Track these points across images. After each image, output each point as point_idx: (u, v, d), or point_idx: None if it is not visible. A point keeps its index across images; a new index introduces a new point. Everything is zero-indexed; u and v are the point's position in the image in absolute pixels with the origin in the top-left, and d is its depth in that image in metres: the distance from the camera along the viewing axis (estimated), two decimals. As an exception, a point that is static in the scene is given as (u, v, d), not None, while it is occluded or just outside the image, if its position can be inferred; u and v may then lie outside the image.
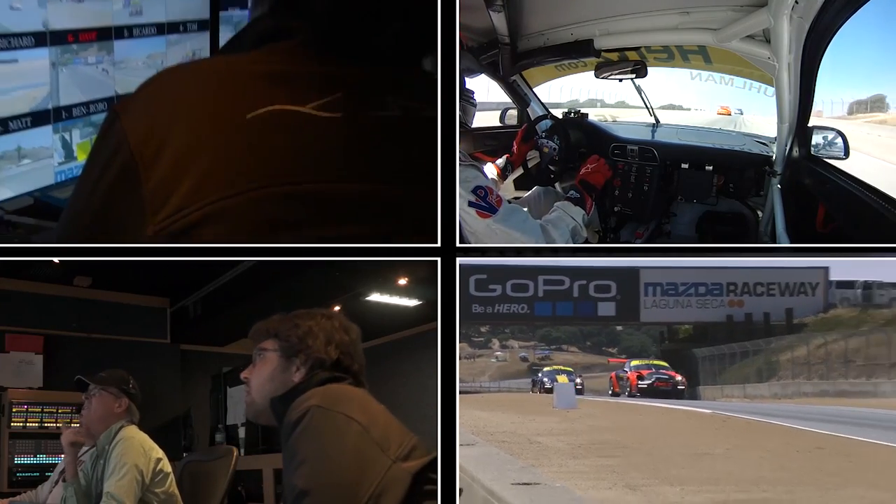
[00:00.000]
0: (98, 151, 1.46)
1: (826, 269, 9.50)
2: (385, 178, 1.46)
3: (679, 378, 9.00)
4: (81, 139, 3.64)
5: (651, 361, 9.45)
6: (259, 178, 1.37)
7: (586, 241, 4.25)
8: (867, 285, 9.48)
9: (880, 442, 5.87)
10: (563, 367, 9.77)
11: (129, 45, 3.75)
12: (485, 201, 3.40)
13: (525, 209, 3.64)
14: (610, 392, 9.40)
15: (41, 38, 3.38)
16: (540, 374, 9.60)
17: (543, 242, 3.51)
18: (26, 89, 3.39)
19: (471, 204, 3.39)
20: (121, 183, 1.39)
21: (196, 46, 4.02)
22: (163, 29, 3.90)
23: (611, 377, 9.59)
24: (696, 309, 9.64)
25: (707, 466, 5.10)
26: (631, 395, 8.93)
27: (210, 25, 4.07)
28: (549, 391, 8.51)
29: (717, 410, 7.55)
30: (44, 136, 3.50)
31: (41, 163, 3.52)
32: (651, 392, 8.85)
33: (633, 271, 9.64)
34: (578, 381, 9.04)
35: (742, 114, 4.74)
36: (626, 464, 5.10)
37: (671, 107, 4.94)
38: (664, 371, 9.12)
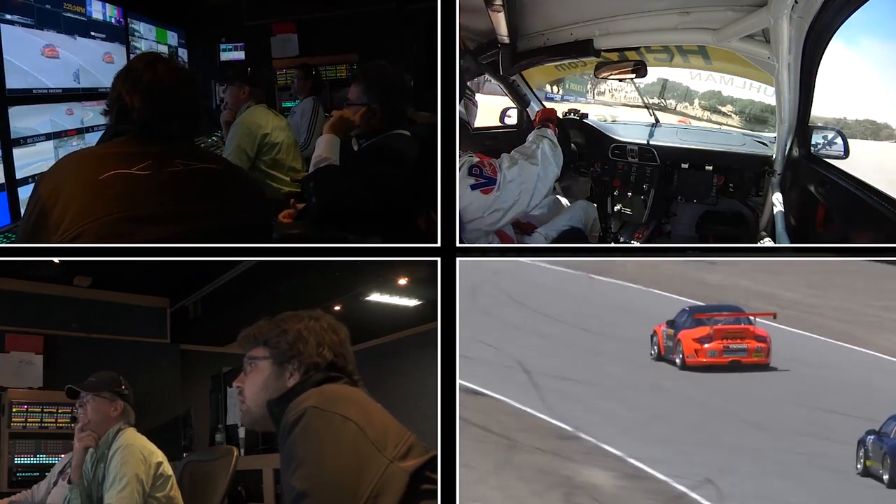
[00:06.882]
0: (29, 203, 2.56)
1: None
2: (180, 210, 2.48)
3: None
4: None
5: None
6: (107, 210, 2.37)
7: (586, 241, 4.26)
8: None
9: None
10: None
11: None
12: (483, 177, 3.32)
13: (508, 164, 3.51)
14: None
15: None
16: None
17: (538, 163, 3.47)
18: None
19: (473, 187, 3.32)
20: (39, 217, 2.43)
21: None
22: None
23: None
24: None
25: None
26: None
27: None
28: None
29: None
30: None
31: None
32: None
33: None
34: None
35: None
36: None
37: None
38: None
